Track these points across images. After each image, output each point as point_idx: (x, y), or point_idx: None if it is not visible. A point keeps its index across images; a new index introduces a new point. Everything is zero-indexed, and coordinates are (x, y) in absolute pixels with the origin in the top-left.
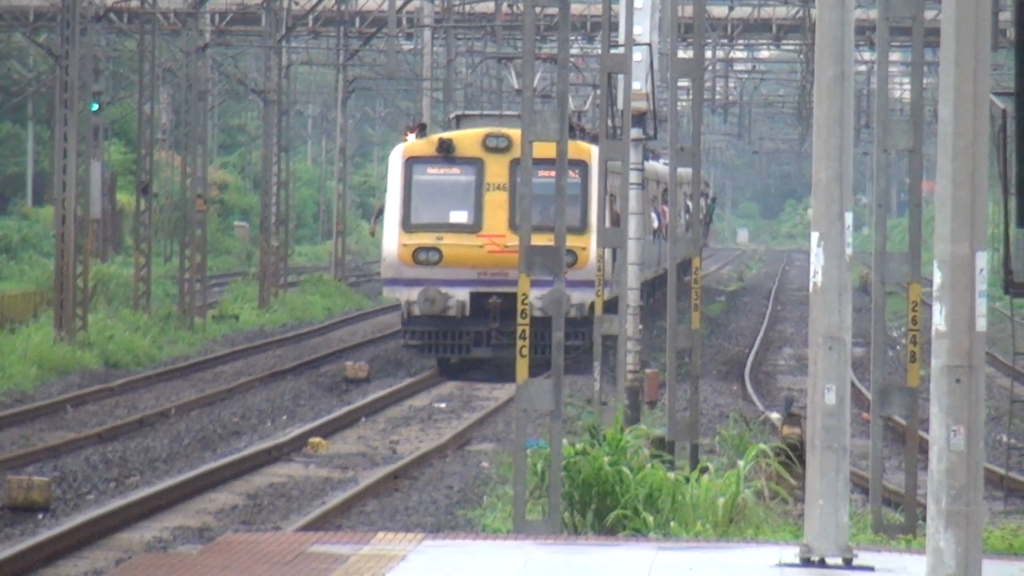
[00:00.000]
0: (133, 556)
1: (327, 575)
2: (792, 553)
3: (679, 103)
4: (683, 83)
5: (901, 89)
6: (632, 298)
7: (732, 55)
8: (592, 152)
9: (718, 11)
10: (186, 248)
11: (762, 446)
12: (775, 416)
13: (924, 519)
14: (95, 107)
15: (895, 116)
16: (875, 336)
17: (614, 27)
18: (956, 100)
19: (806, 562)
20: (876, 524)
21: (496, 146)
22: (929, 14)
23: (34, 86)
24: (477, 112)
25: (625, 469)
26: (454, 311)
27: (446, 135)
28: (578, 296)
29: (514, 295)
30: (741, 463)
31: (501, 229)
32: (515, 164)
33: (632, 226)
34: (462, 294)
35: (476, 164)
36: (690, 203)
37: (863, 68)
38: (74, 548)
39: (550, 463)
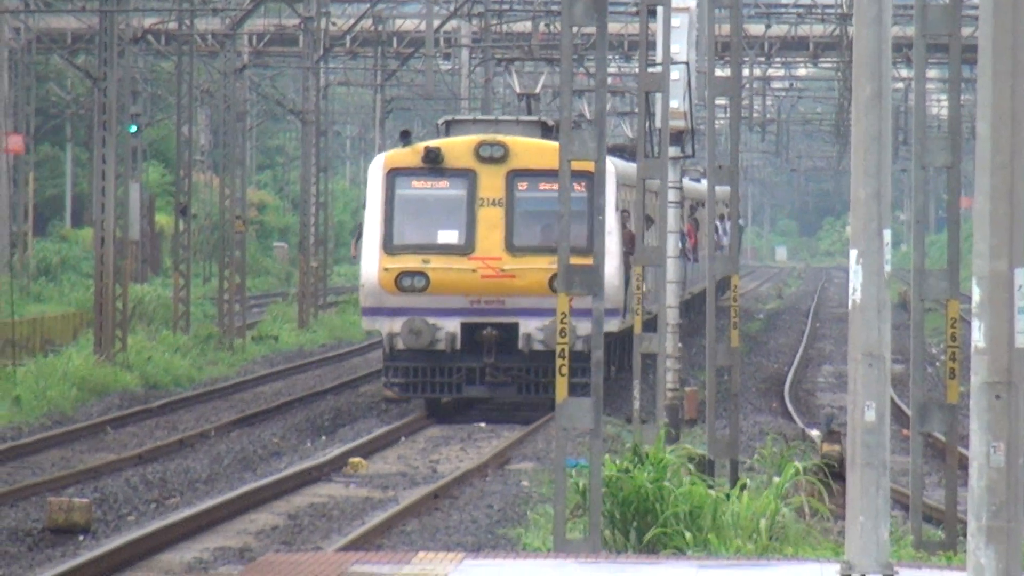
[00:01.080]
0: None
1: None
2: (833, 570)
3: (717, 121)
4: (720, 101)
5: (939, 106)
6: (671, 316)
7: (769, 73)
8: None
9: (755, 29)
10: (225, 269)
11: (797, 464)
12: (815, 433)
13: (964, 535)
14: (133, 129)
15: (933, 133)
16: (914, 353)
17: (651, 46)
18: (994, 116)
19: None
20: (917, 541)
21: (491, 155)
22: (966, 30)
23: (72, 108)
24: (470, 117)
25: (667, 486)
26: (443, 344)
27: (433, 143)
28: (585, 327)
29: (511, 326)
30: (777, 480)
31: (496, 251)
32: (512, 176)
33: (671, 244)
34: (452, 325)
35: (468, 176)
36: (718, 223)
37: (900, 85)
38: (115, 569)
39: (590, 481)
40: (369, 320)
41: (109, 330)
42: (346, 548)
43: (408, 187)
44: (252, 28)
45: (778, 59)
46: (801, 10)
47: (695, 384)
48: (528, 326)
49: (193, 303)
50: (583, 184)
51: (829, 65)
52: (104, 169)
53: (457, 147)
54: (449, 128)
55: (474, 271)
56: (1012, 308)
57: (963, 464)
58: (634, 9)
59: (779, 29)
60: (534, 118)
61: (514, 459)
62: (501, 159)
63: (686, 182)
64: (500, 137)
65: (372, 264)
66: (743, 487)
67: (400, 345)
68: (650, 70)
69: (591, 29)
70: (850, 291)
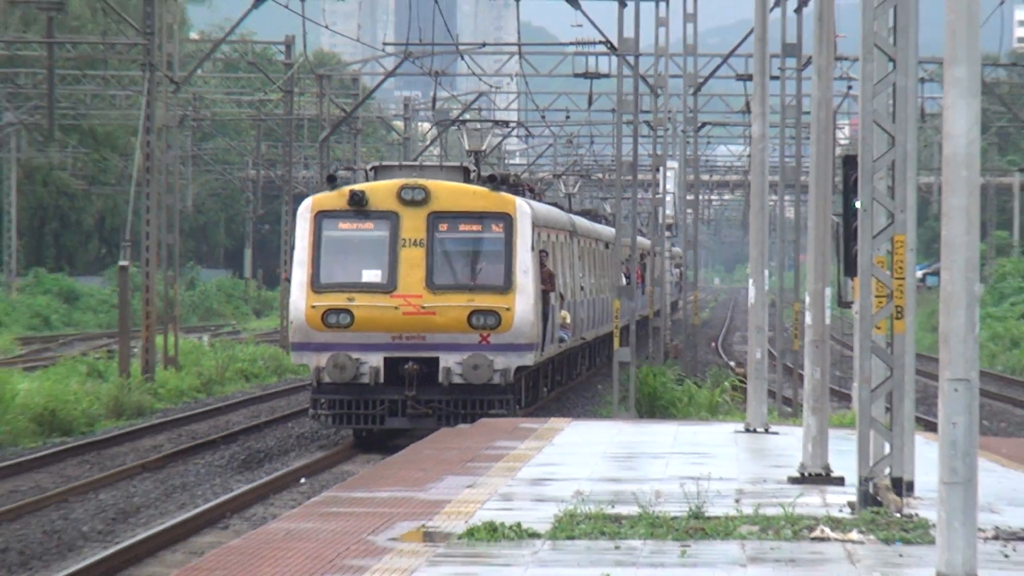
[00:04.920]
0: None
1: (527, 437)
2: (742, 426)
3: (688, 219)
4: (689, 210)
5: (791, 211)
6: (665, 306)
7: (712, 197)
8: (517, 204)
9: (705, 177)
10: None
11: (732, 379)
12: (734, 364)
13: (801, 411)
14: None
15: (787, 225)
16: (777, 326)
17: (657, 184)
18: (816, 218)
19: (748, 431)
20: (779, 413)
21: (412, 198)
22: (804, 178)
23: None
24: (396, 163)
25: (666, 386)
26: (367, 378)
27: (358, 187)
28: (502, 361)
29: (432, 360)
30: (723, 386)
31: (417, 289)
32: (433, 217)
33: (668, 278)
34: (375, 359)
35: (391, 218)
36: (661, 269)
37: (774, 200)
38: (288, 485)
39: (631, 385)
40: (297, 355)
41: None
42: (534, 403)
43: (335, 228)
44: None
45: (717, 190)
46: (726, 169)
47: (677, 340)
48: (448, 360)
49: None
50: (501, 226)
51: (740, 193)
52: None
53: (381, 190)
54: (377, 173)
55: (396, 308)
56: (823, 305)
57: (801, 376)
58: (649, 166)
59: (717, 177)
60: (456, 163)
61: (594, 378)
62: (422, 201)
63: (642, 239)
64: (421, 181)
65: (300, 302)
66: (700, 387)
67: (326, 379)
68: (657, 195)
69: (629, 178)
70: (749, 298)
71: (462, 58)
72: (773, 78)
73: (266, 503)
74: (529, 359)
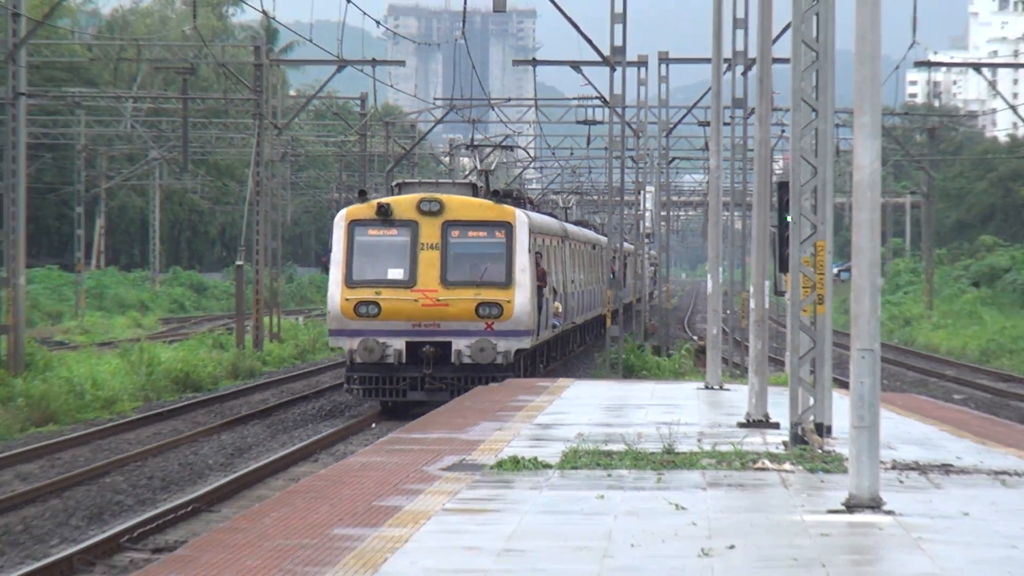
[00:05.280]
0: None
1: (542, 392)
2: (702, 384)
3: (661, 229)
4: (663, 223)
5: (739, 225)
6: (645, 295)
7: (680, 213)
8: (516, 214)
9: (675, 198)
10: None
11: (688, 347)
12: (696, 338)
13: (747, 373)
14: None
15: (736, 234)
16: (729, 310)
17: (638, 203)
18: (758, 228)
19: (706, 388)
20: (730, 374)
21: (429, 209)
22: (748, 199)
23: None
24: (416, 180)
25: (643, 356)
26: (391, 359)
27: (384, 200)
28: (504, 345)
29: (446, 344)
30: (682, 351)
31: (434, 284)
32: (446, 225)
33: (647, 275)
34: (399, 343)
35: (411, 226)
36: (641, 267)
37: (726, 215)
38: (363, 427)
39: (618, 355)
40: (334, 340)
41: None
42: (534, 376)
43: (365, 234)
44: None
45: (683, 208)
46: (691, 192)
47: (654, 320)
48: (459, 344)
49: None
50: (503, 232)
51: (701, 210)
52: None
53: (403, 203)
54: (400, 189)
55: (416, 301)
56: (764, 294)
57: (747, 347)
58: (632, 190)
59: (683, 198)
60: (466, 181)
61: (592, 349)
62: (438, 212)
63: (627, 245)
64: (438, 195)
65: (336, 295)
66: (670, 355)
67: (358, 359)
68: (639, 212)
69: (618, 199)
70: (708, 289)
71: (493, 109)
72: (725, 124)
73: (346, 442)
74: (527, 343)
